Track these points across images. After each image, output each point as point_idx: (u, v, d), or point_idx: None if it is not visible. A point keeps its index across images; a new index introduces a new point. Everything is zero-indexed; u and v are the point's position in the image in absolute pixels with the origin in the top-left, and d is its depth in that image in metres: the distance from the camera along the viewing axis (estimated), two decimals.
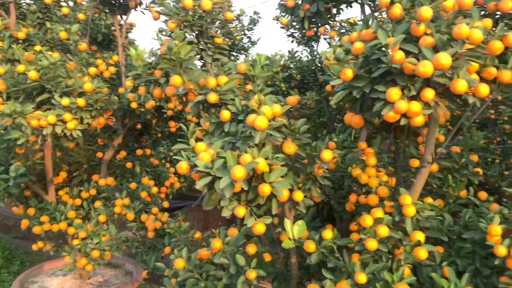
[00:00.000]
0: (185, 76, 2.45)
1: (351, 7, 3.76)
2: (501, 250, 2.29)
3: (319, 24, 3.71)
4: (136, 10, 4.55)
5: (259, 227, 2.21)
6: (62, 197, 4.33)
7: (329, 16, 3.63)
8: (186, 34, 2.88)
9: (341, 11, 3.75)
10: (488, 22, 2.30)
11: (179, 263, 2.69)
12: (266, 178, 2.08)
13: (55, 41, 4.08)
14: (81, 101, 3.34)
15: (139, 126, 4.96)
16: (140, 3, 4.50)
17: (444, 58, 1.80)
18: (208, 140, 2.38)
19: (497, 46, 2.05)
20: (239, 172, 1.90)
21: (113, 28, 5.66)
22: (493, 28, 2.58)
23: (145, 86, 3.09)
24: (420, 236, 2.34)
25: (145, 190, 4.36)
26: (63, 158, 4.70)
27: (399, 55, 1.95)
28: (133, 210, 4.10)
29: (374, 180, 2.87)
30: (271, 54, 11.26)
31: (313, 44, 6.27)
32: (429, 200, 2.81)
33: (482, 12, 2.71)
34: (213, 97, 2.42)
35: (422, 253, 2.29)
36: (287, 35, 6.24)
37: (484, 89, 1.94)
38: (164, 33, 2.88)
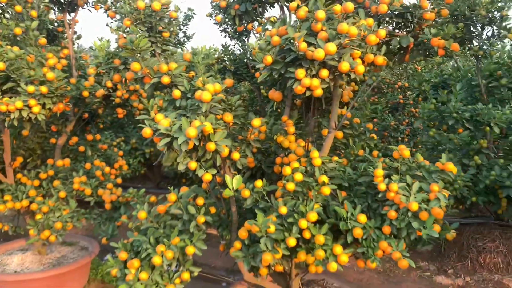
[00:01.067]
0: (143, 63, 3.08)
1: (274, 7, 4.56)
2: (382, 186, 3.19)
3: (248, 21, 4.46)
4: (83, 8, 5.04)
5: (207, 176, 2.93)
6: (21, 179, 4.73)
7: (255, 14, 4.40)
8: (139, 30, 3.50)
9: (266, 10, 4.54)
10: (370, 21, 3.18)
11: (142, 215, 3.33)
12: (211, 137, 2.80)
13: (10, 37, 4.47)
14: (44, 89, 3.83)
15: (86, 115, 5.44)
16: (87, 2, 5.00)
17: (331, 46, 2.63)
18: (164, 113, 3.05)
19: (372, 38, 2.92)
20: (192, 132, 2.60)
21: (56, 24, 6.03)
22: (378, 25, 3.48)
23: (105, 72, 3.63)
24: (324, 178, 3.18)
25: (99, 169, 4.88)
26: (18, 146, 5.08)
27: (303, 45, 2.75)
28: (90, 186, 4.62)
29: (293, 144, 3.68)
30: (206, 48, 11.88)
31: (244, 38, 7.02)
32: (335, 158, 3.68)
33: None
34: (166, 79, 3.08)
35: (326, 190, 3.14)
36: (220, 30, 6.95)
37: (360, 68, 2.79)
38: (120, 29, 3.48)
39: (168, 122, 2.70)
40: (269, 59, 2.89)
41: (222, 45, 7.60)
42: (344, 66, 2.71)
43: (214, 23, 6.96)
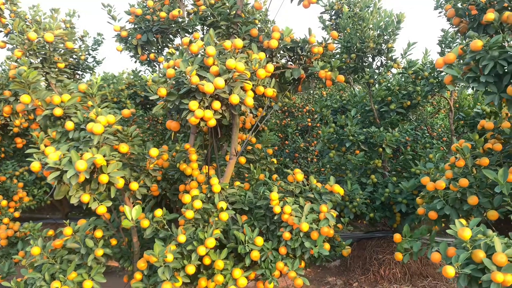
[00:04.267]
0: (33, 95, 3.01)
1: (176, 37, 4.67)
2: (277, 209, 3.38)
3: (150, 51, 4.53)
4: None
5: (101, 209, 2.91)
6: None
7: (158, 44, 4.48)
8: (32, 60, 3.42)
9: (169, 41, 4.64)
10: (262, 55, 3.40)
11: (35, 250, 3.20)
12: (104, 169, 2.80)
13: None
14: None
15: None
16: None
17: (219, 81, 2.78)
18: (56, 145, 2.99)
19: (261, 72, 3.13)
20: (81, 165, 2.59)
21: None
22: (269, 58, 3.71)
23: None
24: (223, 204, 3.30)
25: None
26: None
27: (195, 79, 2.88)
28: None
29: (196, 171, 3.77)
30: (118, 73, 11.69)
31: (155, 64, 7.06)
32: (237, 183, 3.83)
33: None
34: (58, 112, 3.03)
35: (224, 216, 3.25)
36: (130, 55, 6.92)
37: (249, 101, 2.97)
38: (11, 59, 3.37)
39: (58, 155, 2.66)
40: (163, 91, 2.98)
41: (133, 71, 7.56)
42: (234, 99, 2.88)
43: (124, 49, 6.93)
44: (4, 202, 4.69)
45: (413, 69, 5.97)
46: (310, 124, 9.44)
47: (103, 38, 8.35)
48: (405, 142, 6.38)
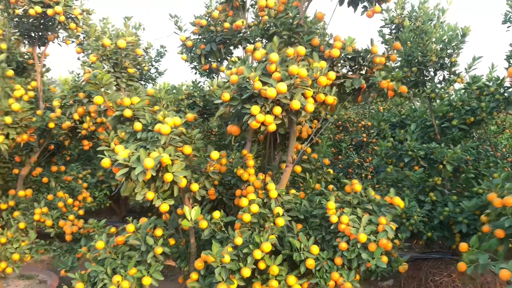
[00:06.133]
0: (106, 96, 3.21)
1: (238, 48, 4.81)
2: (334, 218, 3.35)
3: (213, 61, 4.69)
4: (53, 43, 5.17)
5: (164, 207, 3.02)
6: None
7: (220, 54, 4.63)
8: (104, 65, 3.65)
9: (230, 51, 4.78)
10: (323, 63, 3.42)
11: (100, 244, 3.36)
12: (169, 168, 2.91)
13: None
14: (8, 119, 3.89)
15: (52, 146, 5.47)
16: (57, 37, 5.14)
17: (282, 86, 2.83)
18: (124, 145, 3.15)
19: (322, 80, 3.15)
20: (149, 162, 2.71)
21: (26, 57, 6.13)
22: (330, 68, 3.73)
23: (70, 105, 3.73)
24: (279, 210, 3.31)
25: (62, 201, 4.88)
26: None
27: (258, 84, 2.95)
28: (51, 217, 4.60)
29: (252, 177, 3.82)
30: (178, 84, 12.15)
31: (214, 76, 7.27)
32: (293, 191, 3.84)
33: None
34: (128, 113, 3.21)
35: (280, 222, 3.26)
36: (190, 67, 7.18)
37: (310, 107, 2.99)
38: (86, 64, 3.62)
39: (127, 153, 2.80)
40: (226, 96, 3.07)
41: (192, 82, 7.83)
42: (295, 104, 2.91)
43: (185, 61, 7.21)
44: (70, 200, 4.97)
45: (477, 84, 5.74)
46: (365, 139, 9.28)
47: (166, 50, 8.75)
48: (466, 161, 6.11)
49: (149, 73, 8.46)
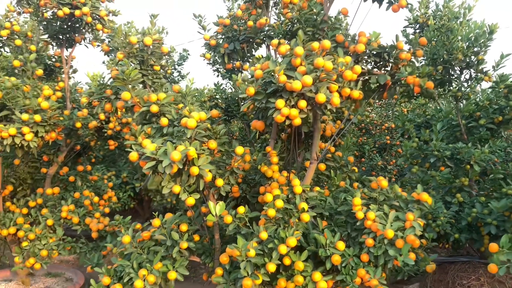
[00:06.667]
0: (133, 92, 3.26)
1: (261, 47, 4.82)
2: (360, 214, 3.30)
3: (236, 59, 4.71)
4: (80, 44, 5.29)
5: (190, 200, 3.04)
6: (10, 207, 4.79)
7: (243, 53, 4.65)
8: (131, 63, 3.71)
9: (254, 50, 4.80)
10: (348, 58, 3.40)
11: (126, 239, 3.40)
12: (195, 162, 2.93)
13: (8, 68, 4.69)
14: (37, 117, 3.99)
15: (78, 147, 5.58)
16: (84, 38, 5.26)
17: (307, 79, 2.82)
18: (151, 139, 3.19)
19: (348, 74, 3.12)
20: (176, 155, 2.74)
21: (54, 60, 6.28)
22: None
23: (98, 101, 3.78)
24: (304, 205, 3.29)
25: (88, 199, 4.96)
26: (9, 174, 5.17)
27: (283, 78, 2.95)
28: (77, 214, 4.68)
29: (276, 173, 3.81)
30: (199, 89, 12.29)
31: (236, 75, 7.31)
32: (317, 188, 3.81)
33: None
34: (154, 108, 3.25)
35: (305, 217, 3.24)
36: (212, 70, 7.23)
37: (336, 100, 2.97)
38: (113, 61, 3.68)
39: (154, 146, 2.83)
40: (251, 90, 3.08)
41: (214, 84, 7.89)
42: (321, 97, 2.90)
43: (208, 63, 7.27)
44: (96, 199, 5.05)
45: (505, 83, 5.60)
46: (389, 141, 9.16)
47: (189, 54, 8.85)
48: (494, 163, 5.96)
49: (172, 76, 8.56)
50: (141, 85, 3.83)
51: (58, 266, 5.77)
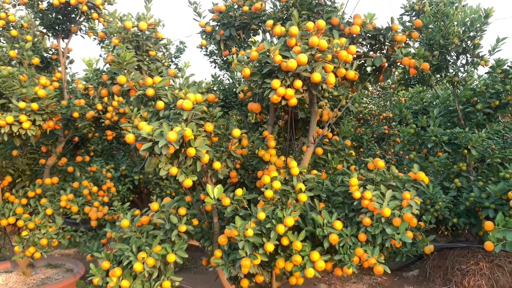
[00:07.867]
0: (128, 76, 3.27)
1: (258, 34, 4.82)
2: (357, 194, 3.32)
3: (232, 46, 4.71)
4: (76, 35, 5.29)
5: (187, 181, 3.05)
6: (9, 198, 4.80)
7: (239, 39, 4.66)
8: (126, 47, 3.71)
9: (249, 36, 4.80)
10: (343, 40, 3.40)
11: (125, 223, 3.41)
12: (192, 143, 2.94)
13: (4, 59, 4.68)
14: (34, 105, 3.99)
15: (76, 139, 5.58)
16: (81, 29, 5.26)
17: (303, 57, 2.83)
18: (148, 122, 3.20)
19: (343, 54, 3.13)
20: (172, 135, 2.75)
21: (50, 52, 6.28)
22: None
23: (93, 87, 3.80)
24: (301, 186, 3.30)
25: (87, 189, 4.97)
26: (7, 166, 5.18)
27: (278, 57, 2.96)
28: (76, 204, 4.69)
29: (274, 157, 3.82)
30: (197, 82, 12.31)
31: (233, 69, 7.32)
32: (315, 171, 3.82)
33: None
34: (150, 92, 3.26)
35: (302, 197, 3.25)
36: (209, 61, 7.24)
37: (332, 79, 2.98)
38: (109, 47, 3.69)
39: (150, 128, 2.84)
40: (247, 71, 3.09)
41: (212, 76, 7.89)
42: (316, 76, 2.91)
43: (204, 54, 7.27)
44: (95, 189, 5.06)
45: (502, 67, 5.61)
46: (387, 131, 9.17)
47: (185, 46, 8.85)
48: (492, 149, 5.97)
49: (169, 68, 8.57)
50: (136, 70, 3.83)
51: (59, 258, 5.79)
